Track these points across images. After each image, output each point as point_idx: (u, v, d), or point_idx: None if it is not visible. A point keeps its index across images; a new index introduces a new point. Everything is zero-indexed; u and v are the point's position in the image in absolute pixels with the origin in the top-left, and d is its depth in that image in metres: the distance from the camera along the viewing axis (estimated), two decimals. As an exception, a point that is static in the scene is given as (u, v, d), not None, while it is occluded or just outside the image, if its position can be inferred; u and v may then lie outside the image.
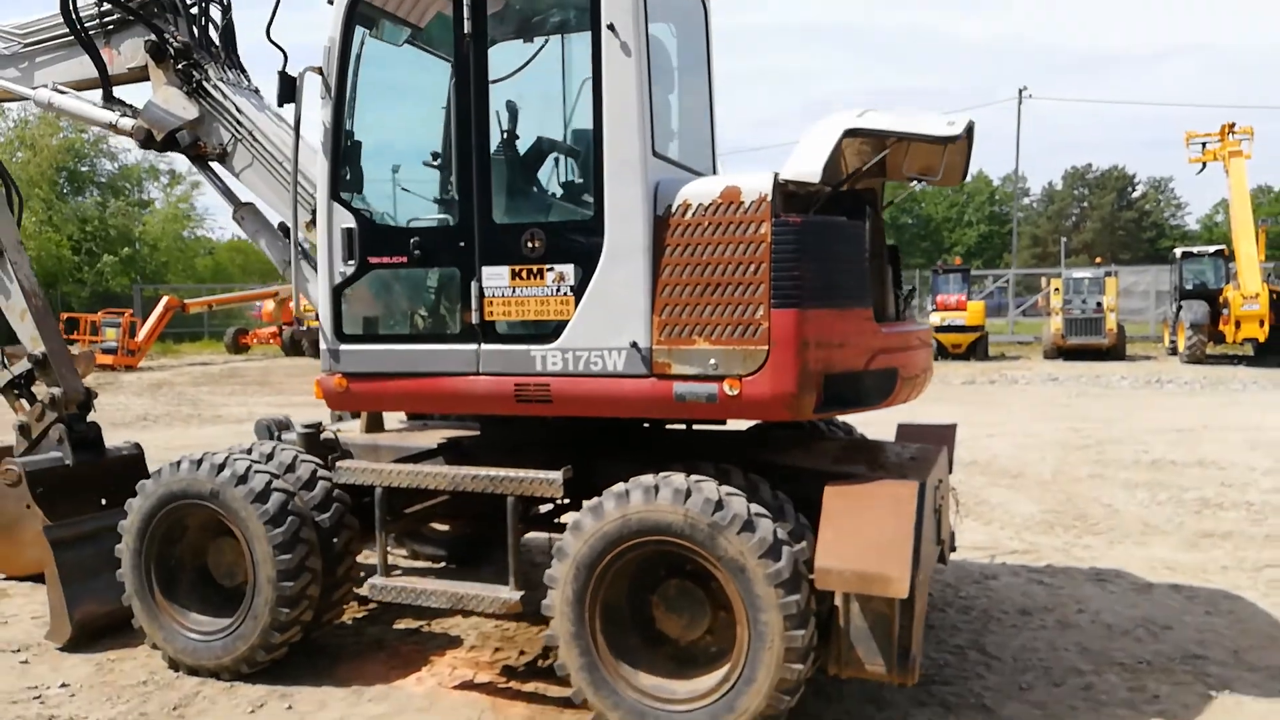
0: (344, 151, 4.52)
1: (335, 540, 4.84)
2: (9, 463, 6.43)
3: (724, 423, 5.01)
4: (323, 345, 4.63)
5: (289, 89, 4.45)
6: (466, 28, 4.23)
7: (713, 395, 3.97)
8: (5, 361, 7.06)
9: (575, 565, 4.06)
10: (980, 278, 37.77)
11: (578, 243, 4.14)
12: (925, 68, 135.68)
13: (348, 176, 4.55)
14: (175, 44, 5.86)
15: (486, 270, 4.27)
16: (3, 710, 4.50)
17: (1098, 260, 35.72)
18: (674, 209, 4.02)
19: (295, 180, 4.71)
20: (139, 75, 6.16)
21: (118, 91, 6.27)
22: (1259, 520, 7.85)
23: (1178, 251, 27.55)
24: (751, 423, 5.46)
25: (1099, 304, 25.99)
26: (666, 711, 3.96)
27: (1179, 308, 25.28)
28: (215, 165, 6.04)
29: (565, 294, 4.16)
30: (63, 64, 6.37)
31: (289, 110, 4.62)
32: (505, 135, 4.57)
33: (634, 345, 4.05)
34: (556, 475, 4.27)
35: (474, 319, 4.30)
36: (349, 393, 4.60)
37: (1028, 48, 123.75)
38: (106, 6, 6.02)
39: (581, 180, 4.48)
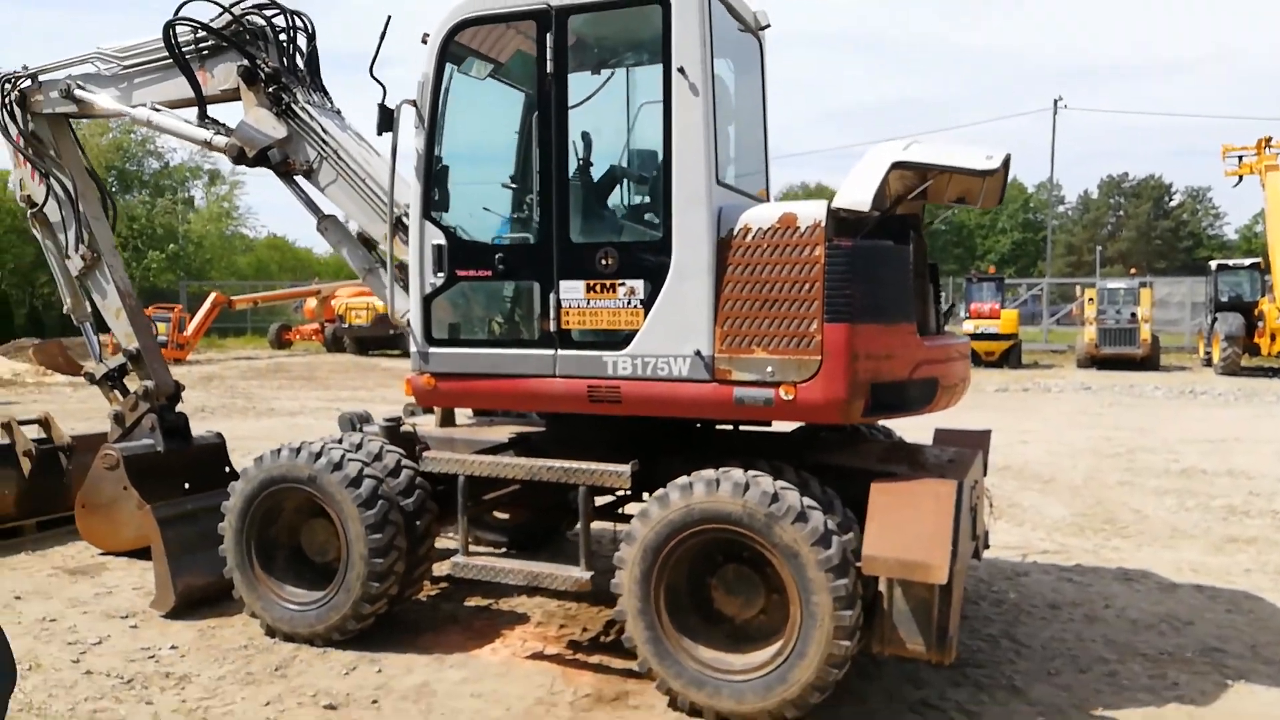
0: (434, 175, 5.00)
1: (418, 523, 5.33)
2: (108, 448, 7.01)
3: (770, 424, 5.44)
4: (413, 348, 5.12)
5: (387, 119, 4.92)
6: (549, 66, 4.70)
7: (769, 399, 4.41)
8: (102, 355, 7.66)
9: (643, 548, 4.51)
10: (1014, 286, 37.84)
11: (648, 261, 4.59)
12: (944, 77, 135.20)
13: (437, 198, 5.02)
14: (266, 69, 6.36)
15: (564, 284, 4.73)
16: (123, 666, 5.03)
17: (1132, 271, 35.71)
18: (736, 232, 4.46)
19: (391, 200, 5.19)
20: (231, 96, 6.68)
21: (211, 111, 6.81)
22: (1282, 528, 8.15)
23: (1213, 264, 27.59)
24: (796, 425, 5.88)
25: (1133, 314, 26.09)
26: (724, 681, 4.39)
27: (1214, 319, 25.34)
28: (299, 179, 6.58)
29: (635, 306, 4.61)
30: (159, 85, 6.91)
31: (376, 134, 5.08)
32: (580, 162, 5.03)
33: (698, 353, 4.50)
34: (625, 468, 4.73)
35: (552, 327, 4.77)
36: (437, 390, 5.09)
37: (1053, 57, 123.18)
38: (202, 34, 6.55)
39: (651, 205, 4.93)
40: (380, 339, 29.61)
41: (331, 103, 6.72)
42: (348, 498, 5.14)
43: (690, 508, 4.41)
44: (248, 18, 6.52)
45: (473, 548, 7.21)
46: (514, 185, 5.44)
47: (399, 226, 5.94)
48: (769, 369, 4.40)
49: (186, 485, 7.31)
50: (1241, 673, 5.07)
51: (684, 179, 4.49)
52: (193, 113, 6.85)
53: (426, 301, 5.04)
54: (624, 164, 5.29)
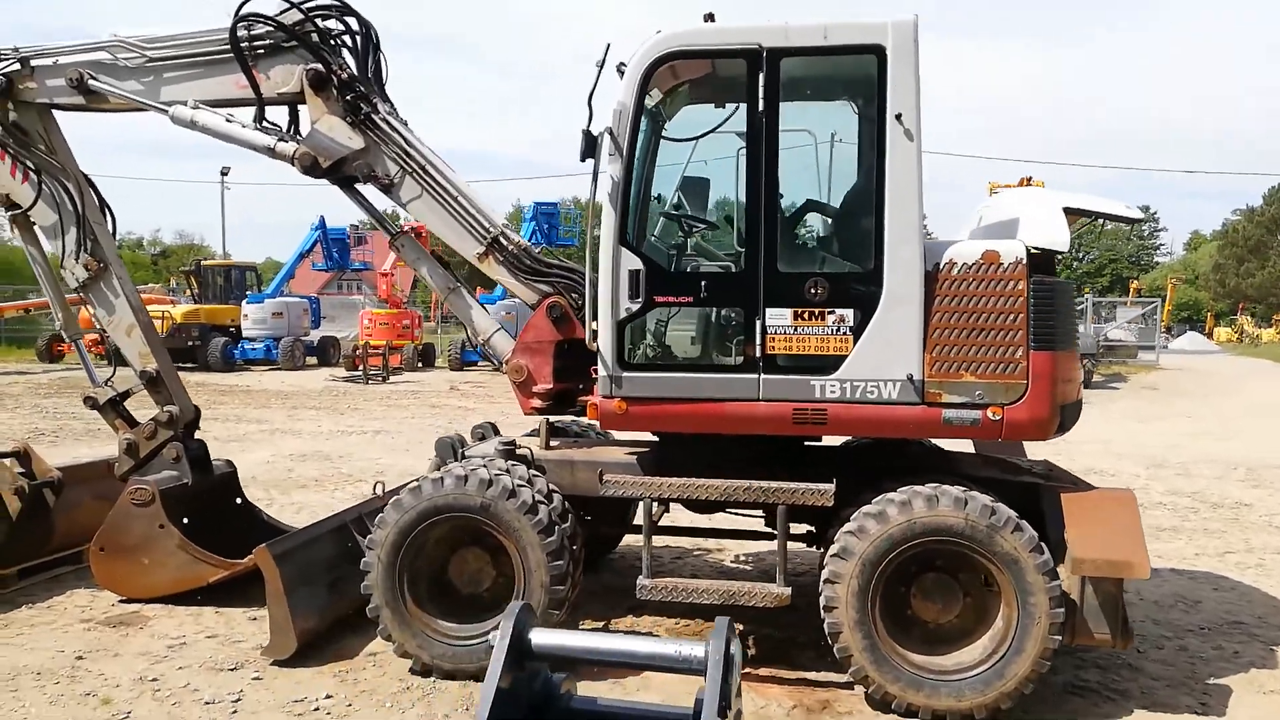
0: (631, 202, 5.03)
1: (575, 546, 5.30)
2: (140, 482, 6.33)
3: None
4: (603, 372, 5.09)
5: (591, 146, 4.89)
6: (759, 105, 4.89)
7: (977, 420, 4.85)
8: (108, 381, 6.86)
9: (861, 563, 4.79)
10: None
11: (858, 291, 4.89)
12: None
13: (634, 225, 5.05)
14: (341, 75, 6.02)
15: (770, 311, 4.92)
16: (302, 722, 4.66)
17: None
18: (942, 266, 4.86)
19: (590, 224, 5.13)
20: (288, 100, 6.27)
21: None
22: (1186, 518, 9.60)
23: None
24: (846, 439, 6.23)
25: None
26: (941, 681, 4.76)
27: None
28: (363, 190, 6.29)
29: (844, 333, 4.89)
30: (196, 82, 6.34)
31: (579, 160, 5.03)
32: (783, 195, 5.22)
33: (909, 377, 4.85)
34: (829, 486, 4.99)
35: (756, 352, 4.94)
36: (628, 414, 5.09)
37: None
38: (258, 31, 6.09)
39: (855, 237, 5.21)
40: (176, 351, 27.11)
41: (399, 114, 6.44)
42: (527, 525, 5.03)
43: (912, 522, 4.75)
44: (316, 18, 6.13)
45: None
46: (711, 219, 5.53)
47: (494, 246, 5.87)
48: (977, 392, 4.83)
49: (185, 520, 6.71)
50: (1273, 639, 6.09)
51: (897, 216, 4.82)
52: (232, 112, 6.36)
53: (620, 326, 5.04)
54: (820, 198, 5.54)
